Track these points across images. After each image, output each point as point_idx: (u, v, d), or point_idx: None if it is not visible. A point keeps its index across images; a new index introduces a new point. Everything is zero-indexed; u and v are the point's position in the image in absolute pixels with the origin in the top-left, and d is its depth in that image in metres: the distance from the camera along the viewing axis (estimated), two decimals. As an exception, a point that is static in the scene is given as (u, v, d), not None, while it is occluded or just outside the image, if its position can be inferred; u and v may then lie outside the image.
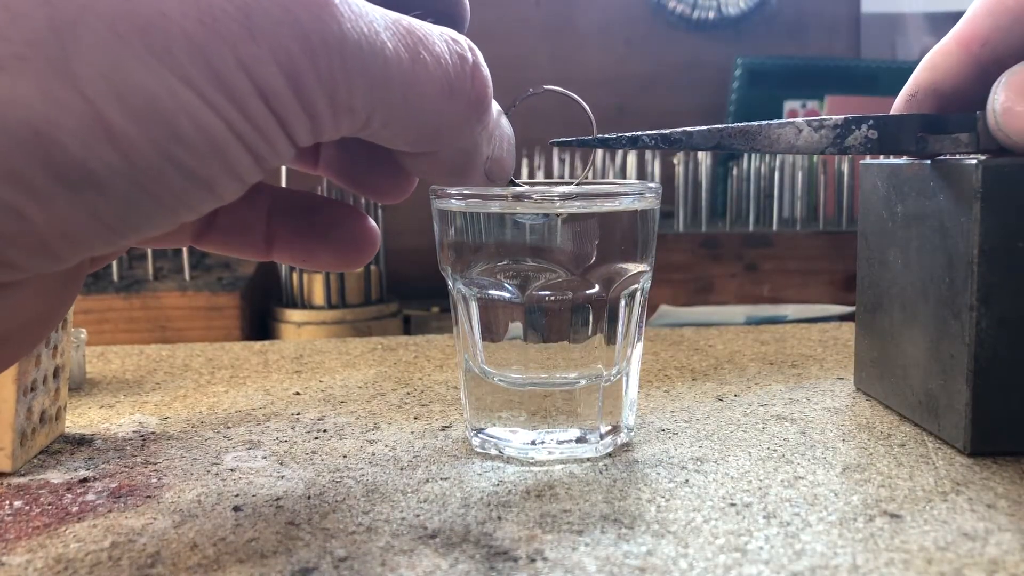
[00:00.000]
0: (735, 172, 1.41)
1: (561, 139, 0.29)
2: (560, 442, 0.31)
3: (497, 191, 0.29)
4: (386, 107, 0.20)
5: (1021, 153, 0.29)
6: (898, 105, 0.31)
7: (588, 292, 0.30)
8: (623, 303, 0.31)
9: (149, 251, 1.14)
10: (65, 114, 0.16)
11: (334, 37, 0.18)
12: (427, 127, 0.21)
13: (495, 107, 0.24)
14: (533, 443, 0.31)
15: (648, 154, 1.37)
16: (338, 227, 0.26)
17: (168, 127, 0.17)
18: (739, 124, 0.30)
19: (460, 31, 0.26)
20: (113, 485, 0.30)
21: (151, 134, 0.17)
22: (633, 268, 0.31)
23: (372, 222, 0.26)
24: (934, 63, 0.31)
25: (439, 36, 0.21)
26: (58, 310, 0.22)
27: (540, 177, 1.43)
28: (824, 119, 0.30)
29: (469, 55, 0.21)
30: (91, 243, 0.18)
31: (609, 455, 0.32)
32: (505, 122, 0.25)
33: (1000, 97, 0.28)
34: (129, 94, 0.16)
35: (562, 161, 1.40)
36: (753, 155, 1.38)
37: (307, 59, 0.18)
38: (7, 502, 0.29)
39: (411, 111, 0.20)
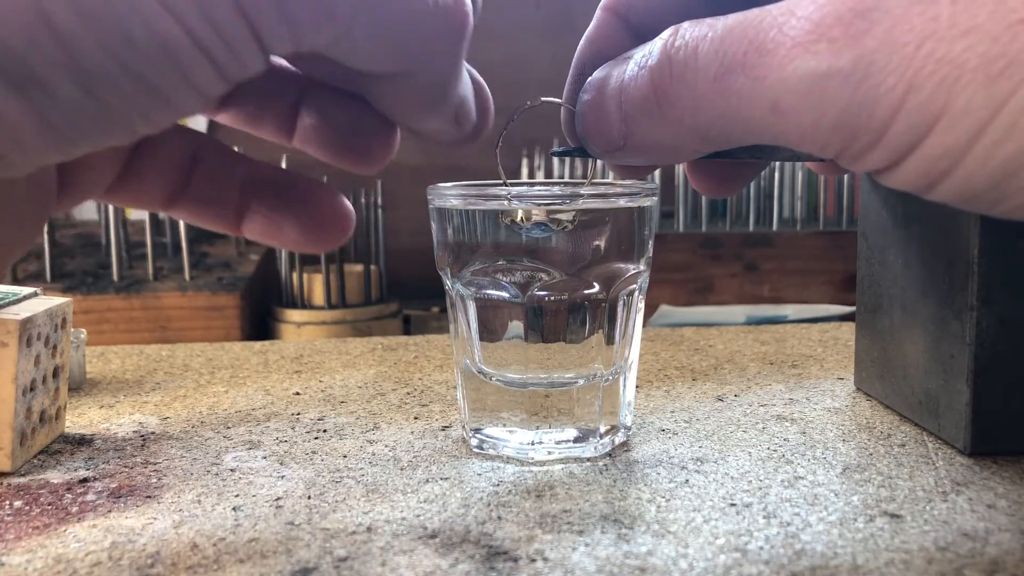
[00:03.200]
0: (735, 172, 1.41)
1: (562, 149, 0.29)
2: (559, 442, 0.31)
3: (496, 192, 0.29)
4: (367, 13, 0.19)
5: (599, 157, 0.27)
6: (568, 90, 0.28)
7: (587, 292, 0.30)
8: (621, 302, 0.31)
9: (149, 251, 1.14)
10: (5, 5, 0.15)
11: None
12: (406, 41, 0.20)
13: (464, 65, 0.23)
14: (532, 443, 0.31)
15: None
16: (311, 204, 0.25)
17: (118, 29, 0.16)
18: None
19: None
20: (113, 485, 0.30)
21: (99, 35, 0.16)
22: (631, 268, 0.31)
23: (347, 202, 0.26)
24: (592, 36, 0.28)
25: None
26: (23, 230, 0.21)
27: (540, 177, 1.43)
28: None
29: None
30: (41, 149, 0.17)
31: (609, 455, 0.32)
32: (473, 72, 0.24)
33: (584, 94, 0.26)
34: None
35: (562, 162, 1.40)
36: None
37: None
38: (7, 502, 0.29)
39: (392, 20, 0.20)
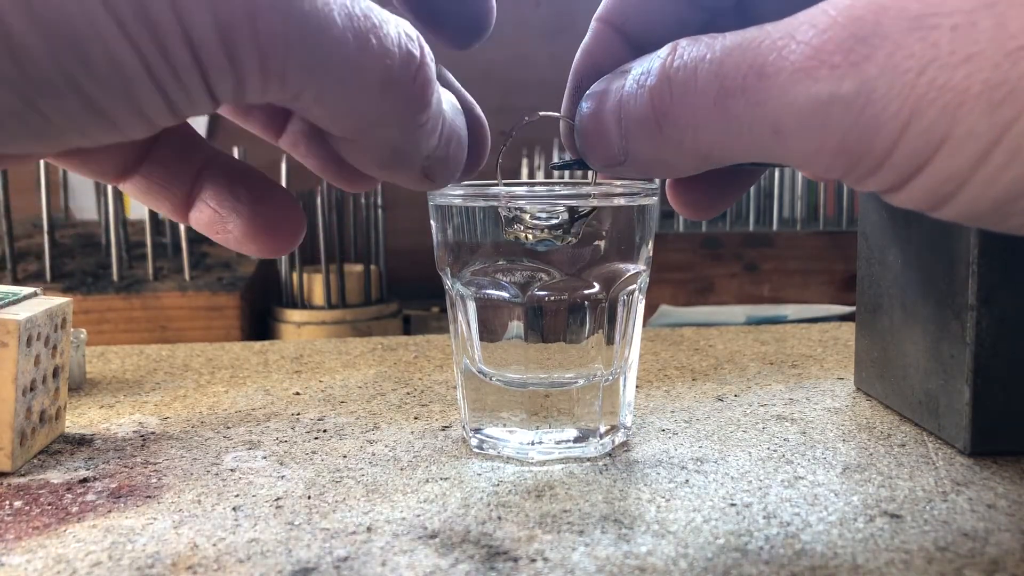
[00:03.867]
0: (735, 172, 1.41)
1: (562, 162, 0.29)
2: (559, 442, 0.31)
3: (495, 192, 0.29)
4: (319, 85, 0.19)
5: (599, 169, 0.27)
6: (567, 103, 0.28)
7: (587, 292, 0.30)
8: (621, 302, 0.31)
9: (149, 251, 1.14)
10: None
11: (282, 1, 0.17)
12: (354, 115, 0.20)
13: (449, 104, 0.23)
14: (532, 443, 0.31)
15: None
16: (262, 204, 0.24)
17: (76, 50, 0.16)
18: None
19: (480, 33, 0.25)
20: (113, 485, 0.30)
21: (55, 53, 0.16)
22: (632, 268, 0.31)
23: (300, 211, 0.25)
24: (588, 48, 0.28)
25: (394, 26, 0.20)
26: None
27: (540, 177, 1.43)
28: None
29: (417, 52, 0.21)
30: None
31: (609, 455, 0.32)
32: (460, 121, 0.24)
33: (583, 108, 0.26)
34: (40, 3, 0.15)
35: (562, 155, 1.40)
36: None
37: (247, 16, 0.17)
38: (7, 502, 0.29)
39: (345, 96, 0.20)
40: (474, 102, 0.25)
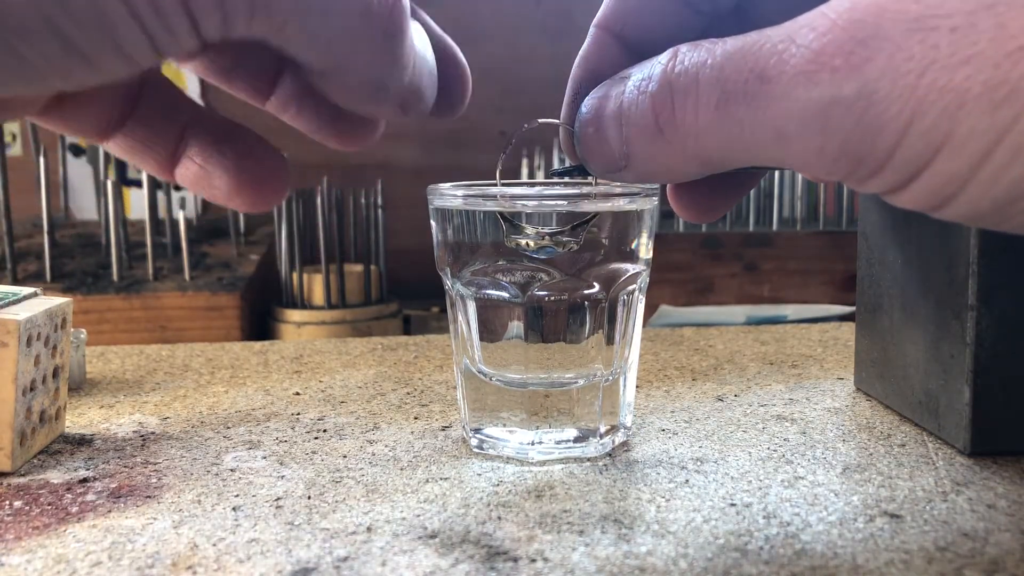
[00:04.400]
0: (735, 172, 1.42)
1: (562, 169, 0.29)
2: (559, 442, 0.31)
3: (495, 192, 0.29)
4: (303, 16, 0.19)
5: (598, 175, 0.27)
6: (566, 109, 0.28)
7: (587, 292, 0.30)
8: (621, 302, 0.31)
9: (149, 251, 1.14)
10: None
11: None
12: (335, 45, 0.20)
13: (420, 37, 0.23)
14: (532, 443, 0.31)
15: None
16: (248, 159, 0.24)
17: None
18: None
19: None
20: (113, 485, 0.30)
21: None
22: (631, 268, 0.31)
23: (286, 166, 0.25)
24: (587, 55, 0.28)
25: None
26: None
27: (540, 177, 1.43)
28: None
29: None
30: None
31: (609, 455, 0.32)
32: (430, 55, 0.24)
33: (583, 114, 0.26)
34: None
35: (561, 161, 1.40)
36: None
37: None
38: (7, 502, 0.29)
39: (326, 26, 0.20)
40: (452, 42, 0.25)
